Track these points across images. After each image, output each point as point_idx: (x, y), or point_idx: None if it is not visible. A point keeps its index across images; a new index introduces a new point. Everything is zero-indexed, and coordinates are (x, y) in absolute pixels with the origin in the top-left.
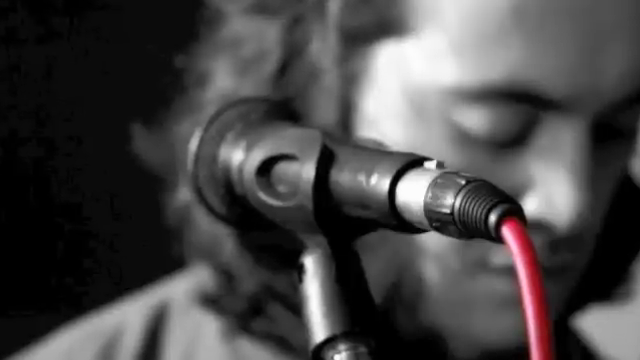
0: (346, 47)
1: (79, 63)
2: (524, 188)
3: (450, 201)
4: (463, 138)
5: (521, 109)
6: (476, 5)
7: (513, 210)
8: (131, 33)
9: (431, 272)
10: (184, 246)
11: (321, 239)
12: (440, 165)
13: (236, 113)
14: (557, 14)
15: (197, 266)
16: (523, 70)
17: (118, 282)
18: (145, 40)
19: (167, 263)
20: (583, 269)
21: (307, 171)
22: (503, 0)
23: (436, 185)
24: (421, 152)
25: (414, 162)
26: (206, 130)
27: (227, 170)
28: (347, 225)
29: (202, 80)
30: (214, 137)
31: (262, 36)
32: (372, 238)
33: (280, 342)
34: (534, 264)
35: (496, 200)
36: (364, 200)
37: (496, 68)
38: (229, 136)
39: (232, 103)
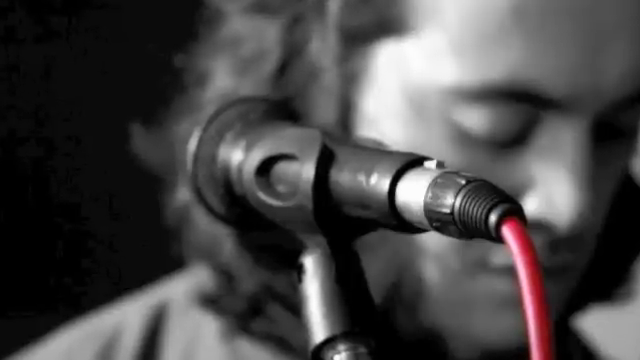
0: (346, 46)
1: (78, 63)
2: (524, 188)
3: (450, 201)
4: (463, 138)
5: (521, 109)
6: (476, 4)
7: (513, 210)
8: (130, 32)
9: (431, 272)
10: (183, 246)
11: (321, 239)
12: (440, 165)
13: (235, 113)
14: (557, 14)
15: (196, 266)
16: (523, 70)
17: (117, 282)
18: (144, 39)
19: (166, 263)
20: (584, 269)
21: (307, 171)
22: (503, 0)
23: (436, 185)
24: (421, 152)
25: (414, 162)
26: (205, 130)
27: (226, 170)
28: (347, 225)
29: (201, 80)
30: (213, 137)
31: (262, 36)
32: (372, 238)
33: (280, 342)
34: (534, 264)
35: (496, 200)
36: (364, 200)
37: (496, 68)
38: (228, 136)
39: (231, 103)
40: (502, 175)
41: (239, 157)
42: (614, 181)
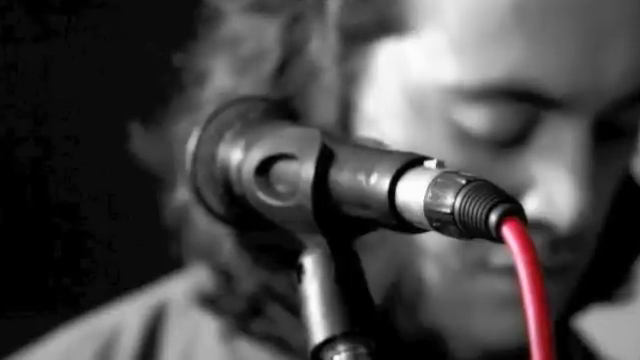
0: (346, 46)
1: (76, 62)
2: (525, 187)
3: (450, 201)
4: (463, 137)
5: (522, 108)
6: (476, 3)
7: (514, 210)
8: (129, 32)
9: (431, 272)
10: (182, 246)
11: (320, 239)
12: (440, 164)
13: (235, 112)
14: (558, 12)
15: (195, 266)
16: (524, 69)
17: (116, 282)
18: (143, 39)
19: (165, 263)
20: (584, 269)
21: (306, 170)
22: None
23: (436, 185)
24: (421, 151)
25: (414, 161)
26: (204, 129)
27: (226, 169)
28: (346, 225)
29: (201, 79)
30: (213, 136)
31: (261, 35)
32: (372, 238)
33: (279, 343)
34: (535, 264)
35: (497, 200)
36: (364, 200)
37: (497, 67)
38: (228, 135)
39: (231, 102)
40: (502, 175)
41: (238, 157)
42: (615, 180)
